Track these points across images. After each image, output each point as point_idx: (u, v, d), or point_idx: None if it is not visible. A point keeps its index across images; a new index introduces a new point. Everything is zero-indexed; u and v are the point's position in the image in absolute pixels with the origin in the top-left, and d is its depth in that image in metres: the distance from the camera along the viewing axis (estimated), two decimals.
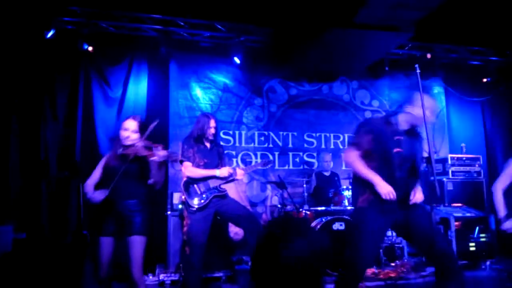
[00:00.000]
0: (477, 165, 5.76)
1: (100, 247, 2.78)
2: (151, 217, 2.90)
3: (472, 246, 4.63)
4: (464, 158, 5.73)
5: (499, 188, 3.20)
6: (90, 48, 5.11)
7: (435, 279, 2.61)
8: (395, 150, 2.56)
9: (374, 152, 2.60)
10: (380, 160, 2.58)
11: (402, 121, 2.68)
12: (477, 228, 4.69)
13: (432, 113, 2.65)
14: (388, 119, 2.73)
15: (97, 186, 2.90)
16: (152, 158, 2.82)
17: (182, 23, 5.40)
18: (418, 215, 2.61)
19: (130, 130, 2.89)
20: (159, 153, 2.83)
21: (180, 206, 4.64)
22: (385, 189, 2.48)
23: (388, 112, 2.88)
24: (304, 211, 4.82)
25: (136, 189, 2.85)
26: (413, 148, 2.67)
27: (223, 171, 3.54)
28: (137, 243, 2.73)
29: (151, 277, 4.50)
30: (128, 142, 2.87)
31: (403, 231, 2.74)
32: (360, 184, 2.62)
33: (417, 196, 2.63)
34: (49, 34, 4.83)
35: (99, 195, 2.82)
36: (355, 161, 2.61)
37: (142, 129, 2.92)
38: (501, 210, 3.16)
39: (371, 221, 2.56)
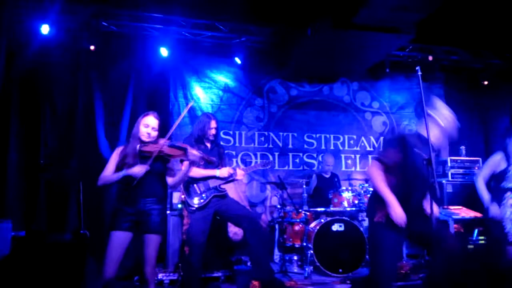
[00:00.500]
0: (476, 168, 5.76)
1: (112, 243, 2.69)
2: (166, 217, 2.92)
3: (470, 248, 4.63)
4: (464, 161, 5.74)
5: (480, 179, 3.50)
6: (92, 47, 5.11)
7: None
8: (421, 170, 2.50)
9: (398, 168, 2.56)
10: (402, 178, 2.56)
11: (435, 136, 2.62)
12: (476, 230, 4.69)
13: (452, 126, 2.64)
14: (420, 136, 2.65)
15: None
16: (184, 159, 2.85)
17: (183, 23, 5.41)
18: (435, 229, 2.55)
19: (151, 127, 2.85)
20: (194, 153, 2.84)
21: (179, 206, 4.64)
22: (397, 214, 2.46)
23: (418, 127, 2.75)
24: (303, 212, 4.83)
25: (156, 187, 2.84)
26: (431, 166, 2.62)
27: (223, 172, 3.55)
28: (154, 241, 2.75)
29: None
30: (147, 139, 2.83)
31: (418, 241, 2.76)
32: (378, 199, 2.59)
33: (434, 210, 2.54)
34: (45, 31, 4.83)
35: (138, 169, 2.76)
36: (376, 175, 2.58)
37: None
38: (486, 198, 3.47)
39: (387, 238, 2.55)
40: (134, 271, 3.94)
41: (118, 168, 2.82)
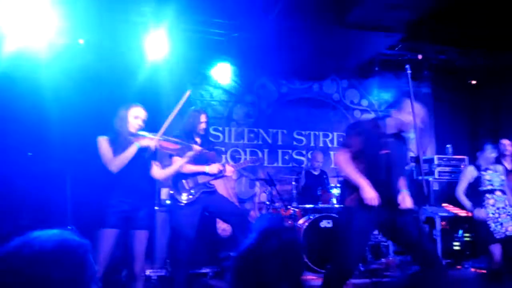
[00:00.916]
0: (462, 166, 5.84)
1: (102, 240, 2.65)
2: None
3: (456, 246, 4.72)
4: (450, 159, 5.82)
5: (460, 191, 3.93)
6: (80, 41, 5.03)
7: (420, 273, 2.71)
8: (382, 152, 2.61)
9: (362, 154, 2.65)
10: (368, 162, 2.64)
11: (390, 125, 2.74)
12: (461, 229, 4.78)
13: (421, 120, 2.71)
14: (377, 122, 2.80)
15: None
16: (179, 153, 2.88)
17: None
18: (406, 221, 2.64)
19: (140, 119, 2.83)
20: (196, 148, 2.88)
21: (167, 202, 4.61)
22: (370, 195, 2.53)
23: (377, 116, 2.96)
24: (292, 208, 4.84)
25: (145, 182, 2.83)
26: (400, 151, 2.75)
27: (213, 168, 3.53)
28: (143, 237, 2.73)
29: None
30: (135, 131, 2.81)
31: (389, 232, 2.80)
32: (349, 184, 2.67)
33: (406, 201, 2.65)
34: None
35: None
36: (344, 162, 2.67)
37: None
38: (468, 206, 3.88)
39: (358, 220, 2.60)
40: (120, 265, 3.90)
41: None
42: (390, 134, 2.72)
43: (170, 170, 2.98)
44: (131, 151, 2.74)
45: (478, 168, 3.89)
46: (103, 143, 2.80)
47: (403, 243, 2.78)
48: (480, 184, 3.83)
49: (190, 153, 3.02)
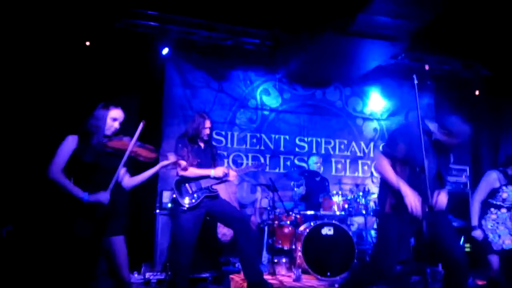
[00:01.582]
0: (463, 177, 5.85)
1: (73, 251, 2.46)
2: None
3: None
4: (452, 169, 5.82)
5: (477, 200, 3.67)
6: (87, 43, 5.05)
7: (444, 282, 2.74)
8: (426, 160, 2.51)
9: (406, 160, 2.61)
10: (411, 169, 2.60)
11: (436, 133, 2.71)
12: (462, 237, 4.76)
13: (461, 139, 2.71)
14: (425, 126, 2.70)
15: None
16: (163, 163, 2.77)
17: (179, 21, 5.37)
18: (443, 224, 2.64)
19: (118, 122, 2.66)
20: (171, 158, 2.79)
21: (169, 205, 4.61)
22: (414, 202, 2.48)
23: (423, 119, 2.83)
24: (293, 214, 4.84)
25: (118, 187, 2.65)
26: (441, 157, 2.73)
27: (218, 171, 3.53)
28: (123, 242, 2.61)
29: (136, 275, 4.46)
30: (110, 134, 2.64)
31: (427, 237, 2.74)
32: (388, 190, 2.64)
33: (441, 199, 2.62)
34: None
35: (104, 196, 2.48)
36: (385, 168, 2.64)
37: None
38: (475, 219, 3.64)
39: (395, 227, 2.60)
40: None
41: (72, 159, 2.53)
42: (435, 140, 2.68)
43: (139, 179, 2.82)
44: (74, 190, 2.47)
45: (501, 179, 3.65)
46: (68, 145, 2.54)
47: (438, 247, 2.69)
48: (492, 196, 3.66)
49: (164, 163, 2.87)
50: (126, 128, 2.73)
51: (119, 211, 2.62)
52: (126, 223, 2.68)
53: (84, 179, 2.54)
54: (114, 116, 2.65)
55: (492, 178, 3.69)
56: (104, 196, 2.48)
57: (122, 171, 2.69)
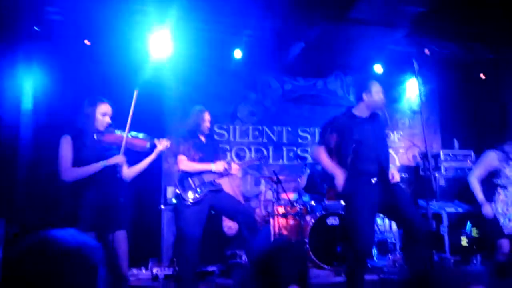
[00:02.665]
0: (469, 161, 5.80)
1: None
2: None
3: (464, 241, 4.68)
4: (456, 154, 5.77)
5: (474, 178, 3.61)
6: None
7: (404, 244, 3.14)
8: (358, 140, 2.90)
9: (341, 147, 2.93)
10: (348, 153, 2.89)
11: (363, 110, 3.02)
12: (469, 223, 4.74)
13: (381, 98, 3.03)
14: (350, 112, 3.07)
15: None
16: (157, 149, 2.83)
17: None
18: (400, 195, 2.94)
19: (108, 116, 2.68)
20: (165, 143, 2.84)
21: (174, 200, 4.61)
22: (338, 181, 2.85)
23: (349, 105, 3.26)
24: (298, 206, 4.83)
25: (119, 181, 2.69)
26: (377, 133, 3.01)
27: (219, 166, 3.52)
28: (125, 237, 2.64)
29: (144, 271, 4.49)
30: (103, 129, 2.66)
31: (387, 210, 3.05)
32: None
33: (395, 176, 2.93)
34: None
35: (119, 158, 2.62)
36: (320, 156, 3.01)
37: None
38: (480, 197, 3.57)
39: (359, 201, 2.85)
40: None
41: (80, 160, 2.58)
42: (365, 119, 3.00)
43: (137, 169, 2.87)
44: (94, 168, 2.55)
45: (501, 157, 3.59)
46: (66, 146, 2.58)
47: (398, 218, 3.05)
48: (496, 176, 3.59)
49: (158, 149, 2.96)
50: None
51: (121, 206, 2.64)
52: (128, 218, 2.71)
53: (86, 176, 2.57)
54: (103, 111, 2.67)
55: (491, 157, 3.62)
56: (119, 158, 2.63)
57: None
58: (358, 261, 2.83)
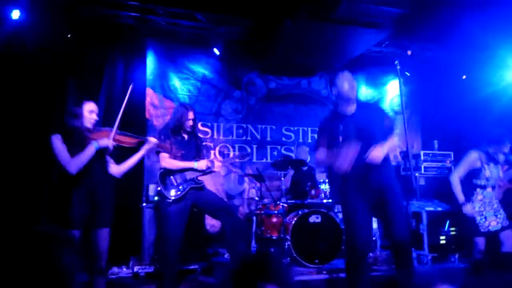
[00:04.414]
0: (448, 161, 5.93)
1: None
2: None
3: (442, 240, 4.78)
4: (436, 154, 5.89)
5: (456, 177, 3.67)
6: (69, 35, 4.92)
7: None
8: (342, 138, 2.84)
9: (331, 148, 2.91)
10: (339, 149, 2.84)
11: (343, 105, 2.95)
12: (448, 222, 4.84)
13: (351, 87, 2.94)
14: (334, 110, 3.07)
15: None
16: (146, 146, 2.88)
17: (161, 12, 5.27)
18: (391, 195, 2.81)
19: (94, 113, 2.78)
20: (152, 140, 2.87)
21: (156, 198, 4.57)
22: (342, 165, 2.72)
23: (333, 104, 3.26)
24: (281, 204, 4.85)
25: (105, 178, 2.79)
26: (364, 126, 2.89)
27: (201, 164, 3.50)
28: (107, 235, 2.69)
29: (125, 269, 4.43)
30: (91, 126, 2.77)
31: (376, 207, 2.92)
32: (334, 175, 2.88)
33: (373, 153, 2.66)
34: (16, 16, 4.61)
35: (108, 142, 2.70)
36: (320, 157, 3.01)
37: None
38: (460, 197, 3.63)
39: (349, 195, 2.82)
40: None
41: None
42: (349, 115, 2.93)
43: (127, 165, 2.97)
44: (90, 150, 2.68)
45: (482, 158, 3.67)
46: (58, 142, 2.69)
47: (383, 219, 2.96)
48: (476, 176, 3.67)
49: (146, 146, 3.02)
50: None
51: (105, 204, 2.71)
52: (111, 216, 2.77)
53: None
54: (90, 109, 2.77)
55: (473, 158, 3.69)
56: (109, 142, 2.72)
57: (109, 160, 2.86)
58: (353, 256, 2.82)
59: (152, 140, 3.04)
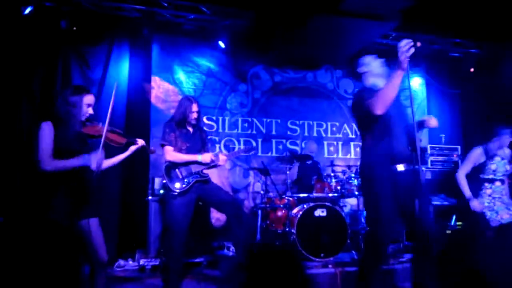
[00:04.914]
0: (455, 155, 5.89)
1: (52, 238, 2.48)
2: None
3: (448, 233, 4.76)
4: (443, 148, 5.85)
5: (462, 174, 3.73)
6: (74, 28, 4.90)
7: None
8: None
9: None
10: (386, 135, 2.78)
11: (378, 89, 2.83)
12: (454, 216, 4.81)
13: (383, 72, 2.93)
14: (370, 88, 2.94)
15: None
16: (132, 148, 2.79)
17: (165, 4, 5.25)
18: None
19: (91, 107, 2.62)
20: (140, 143, 2.82)
21: (161, 191, 4.58)
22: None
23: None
24: (286, 197, 4.84)
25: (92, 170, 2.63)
26: (400, 109, 2.86)
27: (205, 157, 3.49)
28: (98, 224, 2.60)
29: (131, 262, 4.46)
30: (85, 120, 2.61)
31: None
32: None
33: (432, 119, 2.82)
34: (27, 11, 4.61)
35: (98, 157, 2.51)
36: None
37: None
38: (467, 193, 3.69)
39: (381, 185, 2.67)
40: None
41: (60, 151, 2.50)
42: None
43: (109, 163, 2.83)
44: (75, 163, 2.49)
45: (486, 153, 3.72)
46: (48, 133, 2.48)
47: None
48: (482, 171, 3.71)
49: (133, 147, 2.90)
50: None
51: (93, 194, 2.61)
52: (99, 206, 2.68)
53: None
54: (89, 102, 2.61)
55: (477, 154, 3.76)
56: (95, 164, 2.53)
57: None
58: (377, 248, 2.71)
59: (140, 142, 2.92)
